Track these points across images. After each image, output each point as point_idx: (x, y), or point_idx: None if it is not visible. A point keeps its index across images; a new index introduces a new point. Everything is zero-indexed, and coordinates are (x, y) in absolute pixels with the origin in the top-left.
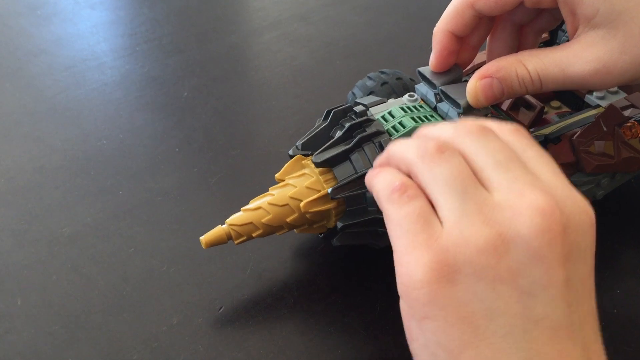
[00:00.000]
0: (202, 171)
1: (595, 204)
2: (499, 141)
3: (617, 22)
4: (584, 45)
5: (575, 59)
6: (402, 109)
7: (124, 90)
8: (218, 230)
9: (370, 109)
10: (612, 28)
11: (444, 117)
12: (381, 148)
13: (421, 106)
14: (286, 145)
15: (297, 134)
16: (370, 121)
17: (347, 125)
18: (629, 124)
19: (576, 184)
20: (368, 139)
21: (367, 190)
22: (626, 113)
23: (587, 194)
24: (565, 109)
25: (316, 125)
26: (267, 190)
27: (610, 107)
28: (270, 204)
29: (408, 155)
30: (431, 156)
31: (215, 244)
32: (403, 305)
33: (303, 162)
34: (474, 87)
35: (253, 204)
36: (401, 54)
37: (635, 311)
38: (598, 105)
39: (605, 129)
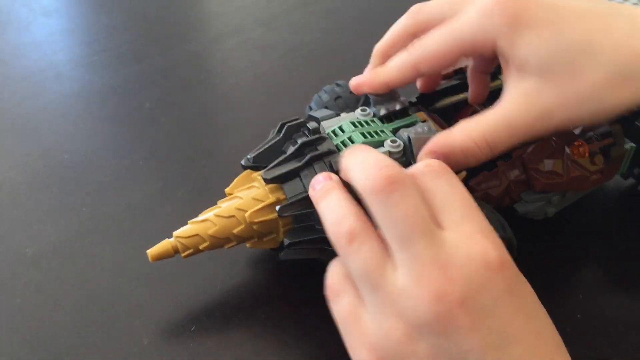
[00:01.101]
0: (169, 184)
1: (557, 214)
2: (403, 203)
3: (548, 71)
4: (519, 95)
5: (516, 111)
6: (353, 123)
7: (84, 101)
8: (164, 244)
9: (322, 123)
10: (543, 77)
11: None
12: (331, 167)
13: (372, 120)
14: None
15: None
16: (322, 139)
17: (299, 141)
18: (577, 143)
19: (527, 201)
20: (319, 157)
21: (315, 210)
22: (577, 131)
23: (538, 211)
24: None
25: (269, 138)
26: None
27: None
28: (216, 215)
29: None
30: (344, 247)
31: (162, 257)
32: None
33: (252, 175)
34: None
35: (200, 216)
36: (365, 60)
37: (598, 316)
38: None
39: (554, 148)
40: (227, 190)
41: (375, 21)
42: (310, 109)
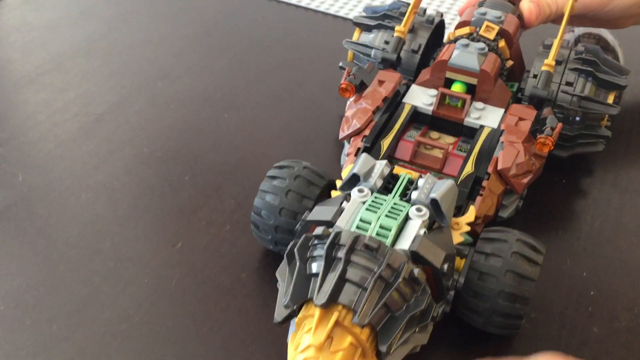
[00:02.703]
0: None
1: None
2: None
3: None
4: None
5: None
6: (368, 209)
7: None
8: None
9: (335, 224)
10: None
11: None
12: (368, 248)
13: (377, 197)
14: None
15: None
16: (338, 234)
17: (323, 252)
18: (540, 140)
19: (506, 205)
20: (352, 249)
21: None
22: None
23: (514, 209)
24: (447, 138)
25: (286, 278)
26: None
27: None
28: None
29: None
30: None
31: None
32: None
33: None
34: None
35: None
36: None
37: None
38: (481, 126)
39: (518, 150)
40: None
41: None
42: (266, 202)
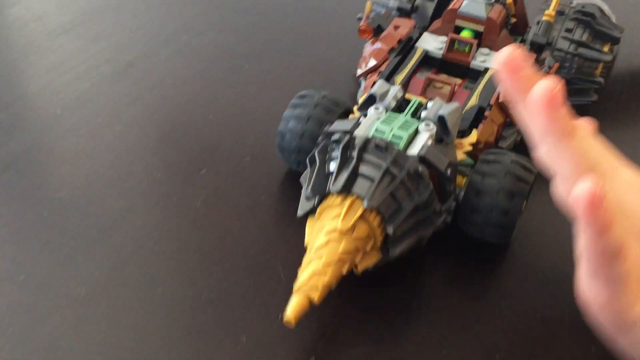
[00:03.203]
0: None
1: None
2: None
3: None
4: None
5: None
6: (383, 122)
7: None
8: (297, 302)
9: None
10: None
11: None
12: (378, 148)
13: (390, 115)
14: None
15: None
16: (354, 138)
17: (340, 149)
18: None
19: (505, 136)
20: (364, 148)
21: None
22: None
23: (512, 143)
24: (454, 79)
25: (307, 175)
26: None
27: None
28: (317, 249)
29: None
30: None
31: (301, 314)
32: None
33: (315, 216)
34: None
35: (304, 264)
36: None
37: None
38: (486, 68)
39: None
40: (305, 243)
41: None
42: (287, 128)
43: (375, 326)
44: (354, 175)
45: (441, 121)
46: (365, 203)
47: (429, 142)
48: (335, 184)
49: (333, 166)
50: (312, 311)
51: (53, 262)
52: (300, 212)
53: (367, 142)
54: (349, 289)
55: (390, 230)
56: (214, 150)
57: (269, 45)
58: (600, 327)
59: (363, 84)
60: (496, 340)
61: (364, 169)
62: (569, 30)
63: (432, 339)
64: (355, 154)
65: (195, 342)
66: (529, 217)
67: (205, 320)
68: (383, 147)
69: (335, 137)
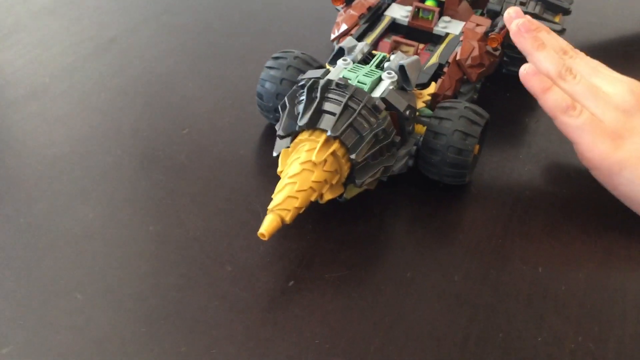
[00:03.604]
0: None
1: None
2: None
3: None
4: None
5: None
6: (349, 71)
7: None
8: (271, 220)
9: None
10: None
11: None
12: (338, 87)
13: (356, 66)
14: None
15: None
16: (317, 81)
17: (305, 91)
18: (492, 36)
19: (463, 92)
20: (326, 88)
21: (356, 117)
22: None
23: (470, 99)
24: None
25: (281, 116)
26: None
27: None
28: (290, 177)
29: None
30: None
31: (274, 231)
32: (597, 173)
33: (289, 150)
34: None
35: (278, 187)
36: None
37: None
38: (447, 33)
39: (474, 46)
40: (278, 171)
41: None
42: (263, 88)
43: (347, 255)
44: (318, 112)
45: (402, 70)
46: (328, 132)
47: (390, 87)
48: (302, 120)
49: (301, 108)
50: (290, 244)
51: (50, 207)
52: (275, 152)
53: (328, 82)
54: (323, 225)
55: (353, 156)
56: (195, 113)
57: (247, 22)
58: (602, 181)
59: (337, 47)
60: (455, 263)
61: (327, 105)
62: (522, 4)
63: (398, 265)
64: (318, 94)
65: (185, 271)
66: (483, 164)
67: (192, 254)
68: (343, 86)
69: (303, 82)
